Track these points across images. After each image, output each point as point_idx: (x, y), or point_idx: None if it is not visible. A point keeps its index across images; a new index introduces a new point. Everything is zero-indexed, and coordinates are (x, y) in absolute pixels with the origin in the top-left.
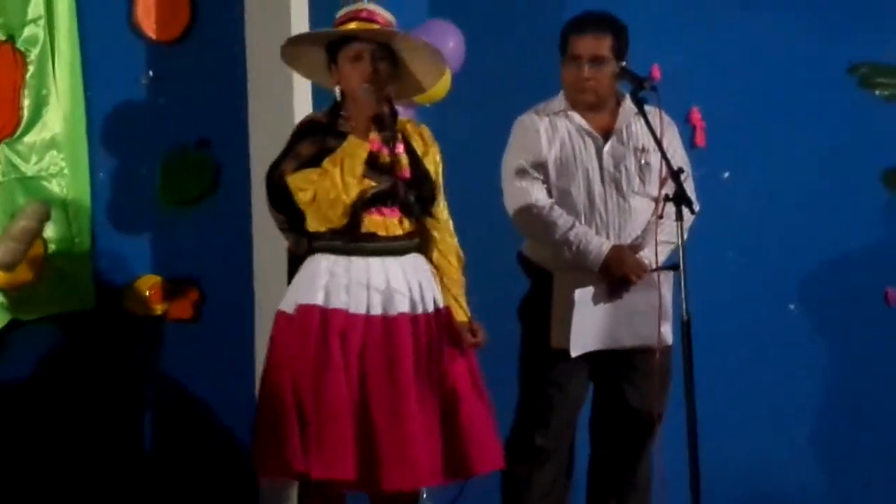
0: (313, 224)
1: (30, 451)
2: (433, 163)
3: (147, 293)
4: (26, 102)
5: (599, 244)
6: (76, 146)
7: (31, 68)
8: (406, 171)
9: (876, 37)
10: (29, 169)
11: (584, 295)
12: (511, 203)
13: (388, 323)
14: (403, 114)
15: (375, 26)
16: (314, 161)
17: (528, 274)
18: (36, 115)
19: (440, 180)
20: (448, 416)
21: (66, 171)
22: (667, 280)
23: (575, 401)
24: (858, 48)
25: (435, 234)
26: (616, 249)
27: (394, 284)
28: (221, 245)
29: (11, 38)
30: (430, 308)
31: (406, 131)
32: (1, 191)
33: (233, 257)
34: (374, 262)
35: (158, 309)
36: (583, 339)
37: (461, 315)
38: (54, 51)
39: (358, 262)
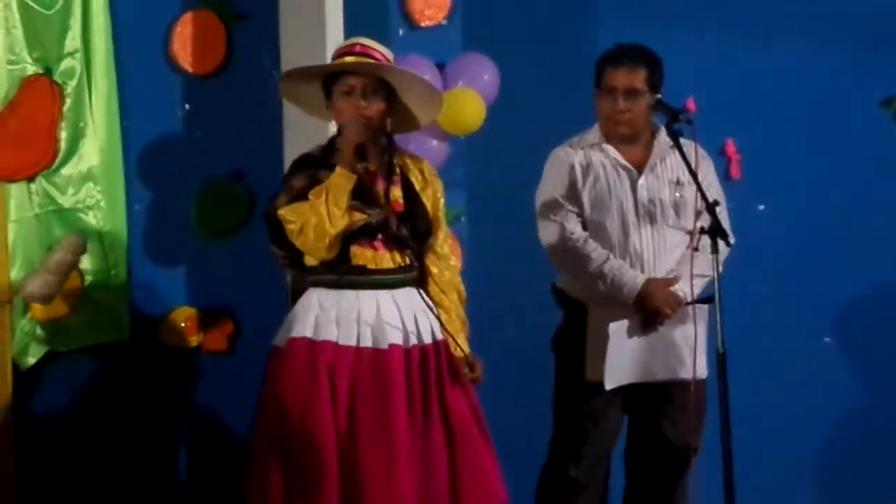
0: (307, 258)
1: (66, 482)
2: (432, 198)
3: (182, 325)
4: (63, 135)
5: (634, 277)
6: (112, 178)
7: (68, 101)
8: (398, 204)
9: None
10: (66, 201)
11: (618, 328)
12: (545, 236)
13: (378, 355)
14: (438, 147)
15: (369, 61)
16: (305, 194)
17: (563, 306)
18: (73, 147)
19: (440, 216)
20: (456, 453)
21: (102, 203)
22: (701, 313)
23: (609, 434)
24: (892, 80)
25: (434, 269)
26: (650, 283)
27: (385, 317)
28: (256, 277)
29: (49, 71)
30: (427, 340)
31: (405, 165)
32: (38, 223)
33: (267, 289)
34: (365, 295)
35: (194, 341)
36: (617, 372)
37: (458, 350)
38: (91, 84)
39: (348, 295)
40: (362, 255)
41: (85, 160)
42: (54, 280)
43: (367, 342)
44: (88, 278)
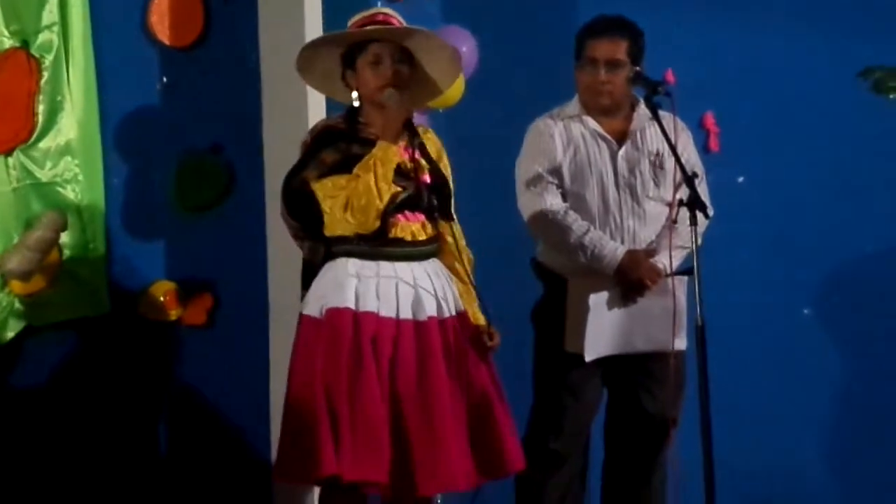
0: (338, 229)
1: (45, 456)
2: (446, 168)
3: (161, 299)
4: (41, 108)
5: (614, 249)
6: (90, 152)
7: (45, 74)
8: (427, 176)
9: (889, 41)
10: (44, 175)
11: (598, 300)
12: (525, 208)
13: (418, 327)
14: (417, 120)
15: (400, 28)
16: (339, 168)
17: (542, 279)
18: (50, 121)
19: (451, 184)
20: (479, 420)
21: (80, 176)
22: (681, 285)
23: (589, 406)
24: (871, 53)
25: (449, 238)
26: (630, 254)
27: (422, 288)
28: (235, 250)
29: (26, 45)
30: (454, 311)
31: (420, 136)
32: (16, 197)
33: (247, 262)
34: (402, 266)
35: (173, 314)
36: (597, 344)
37: (480, 319)
38: (69, 57)
39: (386, 266)
40: (400, 226)
41: (63, 134)
42: (34, 256)
43: (406, 314)
44: (67, 252)
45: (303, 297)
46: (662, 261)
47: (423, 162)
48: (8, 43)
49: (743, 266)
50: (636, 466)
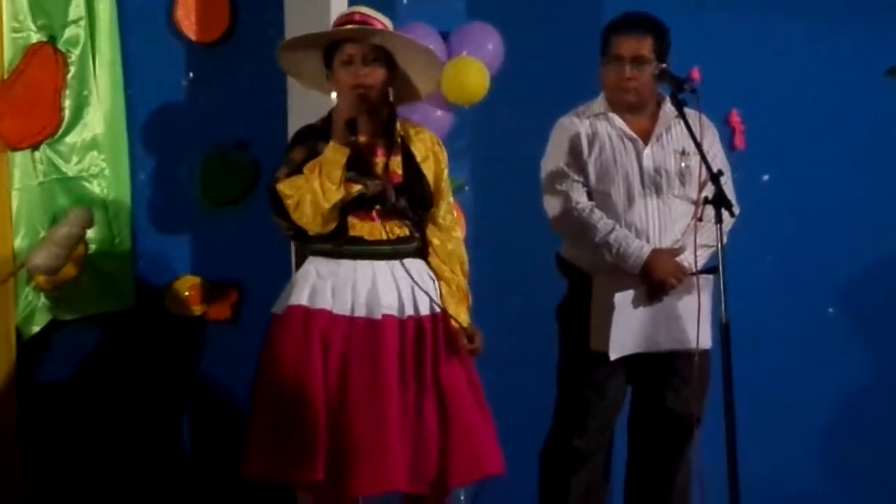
0: (306, 229)
1: (71, 450)
2: (433, 168)
3: (186, 294)
4: (67, 103)
5: (639, 247)
6: (117, 147)
7: (72, 69)
8: (397, 175)
9: None
10: (70, 169)
11: (623, 298)
12: (551, 206)
13: (372, 325)
14: (442, 117)
15: (367, 28)
16: (304, 167)
17: (567, 276)
18: (77, 115)
19: (443, 186)
20: (451, 422)
21: (106, 171)
22: (706, 284)
23: (613, 404)
24: None
25: (435, 240)
26: (656, 253)
27: (380, 288)
28: (260, 246)
29: (52, 40)
30: (424, 312)
31: (407, 136)
32: (42, 191)
33: (271, 258)
34: (362, 265)
35: (198, 310)
36: (622, 342)
37: (462, 320)
38: (95, 52)
39: (346, 264)
40: (360, 226)
41: (89, 128)
42: (60, 253)
43: (361, 312)
44: (93, 247)
45: None
46: (688, 259)
47: (396, 161)
48: (35, 37)
49: (768, 265)
50: (660, 465)
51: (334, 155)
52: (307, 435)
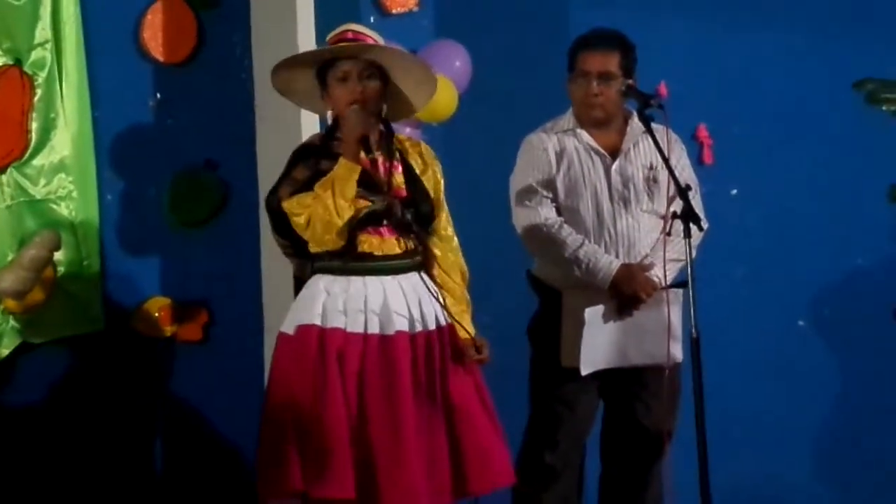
0: (312, 247)
1: (41, 473)
2: (432, 180)
3: (156, 315)
4: (34, 126)
5: (609, 262)
6: (84, 169)
7: (38, 92)
8: (402, 190)
9: (882, 53)
10: (37, 192)
11: (594, 314)
12: (520, 222)
13: (385, 342)
14: (411, 134)
15: (362, 44)
16: (309, 185)
17: (538, 293)
18: (44, 138)
19: (441, 197)
20: (455, 434)
21: (74, 193)
22: (676, 298)
23: (584, 419)
24: (865, 64)
25: (437, 251)
26: (625, 268)
27: (391, 303)
28: (230, 266)
29: (19, 62)
30: (432, 326)
31: (404, 149)
32: (9, 214)
33: (241, 278)
34: (372, 281)
35: (168, 331)
36: (593, 357)
37: (464, 332)
38: (62, 74)
39: (355, 281)
40: (368, 241)
41: (56, 151)
42: (28, 276)
43: (374, 329)
44: (61, 269)
45: None
46: (657, 274)
47: (399, 176)
48: (1, 61)
49: (738, 278)
50: (632, 479)
51: (346, 172)
52: (336, 454)
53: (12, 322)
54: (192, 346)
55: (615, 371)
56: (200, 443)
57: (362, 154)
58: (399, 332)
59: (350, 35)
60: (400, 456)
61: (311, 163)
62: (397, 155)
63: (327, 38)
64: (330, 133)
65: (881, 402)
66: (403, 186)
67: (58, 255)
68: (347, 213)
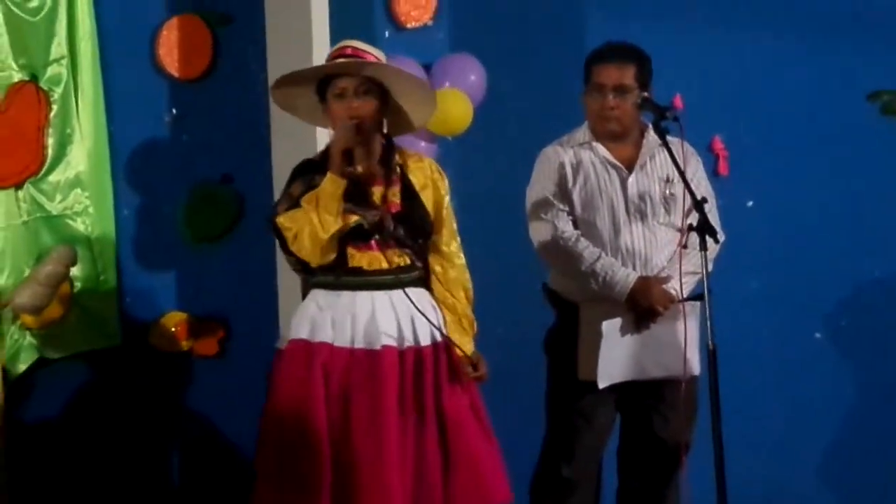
0: (308, 261)
1: (59, 489)
2: (433, 196)
3: (173, 330)
4: (50, 141)
5: (626, 275)
6: (100, 184)
7: (54, 108)
8: (395, 205)
9: None
10: (54, 208)
11: (611, 326)
12: (536, 235)
13: (372, 356)
14: (426, 148)
15: (359, 61)
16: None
17: (554, 306)
18: (60, 154)
19: (444, 214)
20: (448, 450)
21: (90, 209)
22: (693, 311)
23: (601, 432)
24: (880, 75)
25: (437, 267)
26: (642, 281)
27: (379, 318)
28: (246, 281)
29: (35, 78)
30: (425, 342)
31: (405, 165)
32: (26, 230)
33: (258, 293)
34: (361, 296)
35: (185, 345)
36: (610, 370)
37: (467, 349)
38: (77, 90)
39: (345, 296)
40: (359, 256)
41: (72, 166)
42: (44, 291)
43: (360, 343)
44: (78, 285)
45: None
46: (674, 287)
47: (394, 190)
48: (17, 76)
49: (754, 291)
50: (650, 492)
51: (331, 186)
52: (313, 469)
53: (29, 338)
54: (208, 361)
55: (632, 384)
56: (217, 457)
57: (359, 168)
58: (386, 347)
59: (349, 51)
60: (380, 471)
61: (307, 178)
62: (397, 170)
63: (328, 54)
64: (328, 149)
65: None
66: (398, 201)
67: (74, 271)
68: (332, 227)
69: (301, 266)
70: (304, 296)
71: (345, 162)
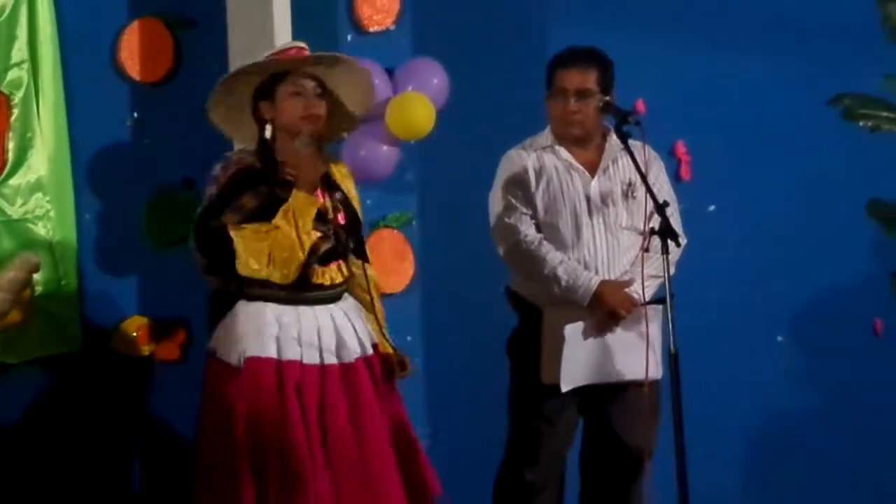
0: (254, 274)
1: (18, 494)
2: (356, 200)
3: (134, 334)
4: (11, 146)
5: (588, 279)
6: (62, 188)
7: (15, 111)
8: (341, 217)
9: (858, 68)
10: (14, 212)
11: (574, 330)
12: (499, 239)
13: (344, 369)
14: (389, 152)
15: (324, 54)
16: (260, 213)
17: (517, 309)
18: (21, 157)
19: (360, 216)
20: (403, 450)
21: (51, 213)
22: (655, 314)
23: (564, 435)
24: (840, 80)
25: (355, 269)
26: (605, 284)
27: (342, 331)
28: (208, 285)
29: None
30: (370, 349)
31: (332, 172)
32: None
33: None
34: (321, 310)
35: (146, 350)
36: (573, 373)
37: (388, 347)
38: (38, 94)
39: (306, 311)
40: (323, 273)
41: (33, 170)
42: (6, 297)
43: (331, 359)
44: (39, 289)
45: (211, 330)
46: (637, 290)
47: (338, 203)
48: None
49: (716, 294)
50: (612, 496)
51: (307, 207)
52: (300, 486)
53: None
54: (170, 366)
55: (595, 387)
56: (179, 462)
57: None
58: (356, 359)
59: (294, 51)
60: (371, 480)
61: (262, 190)
62: (332, 182)
63: (268, 53)
64: (266, 153)
65: (861, 417)
66: (342, 213)
67: (35, 275)
68: (308, 246)
69: (215, 270)
70: (220, 295)
71: (321, 184)
